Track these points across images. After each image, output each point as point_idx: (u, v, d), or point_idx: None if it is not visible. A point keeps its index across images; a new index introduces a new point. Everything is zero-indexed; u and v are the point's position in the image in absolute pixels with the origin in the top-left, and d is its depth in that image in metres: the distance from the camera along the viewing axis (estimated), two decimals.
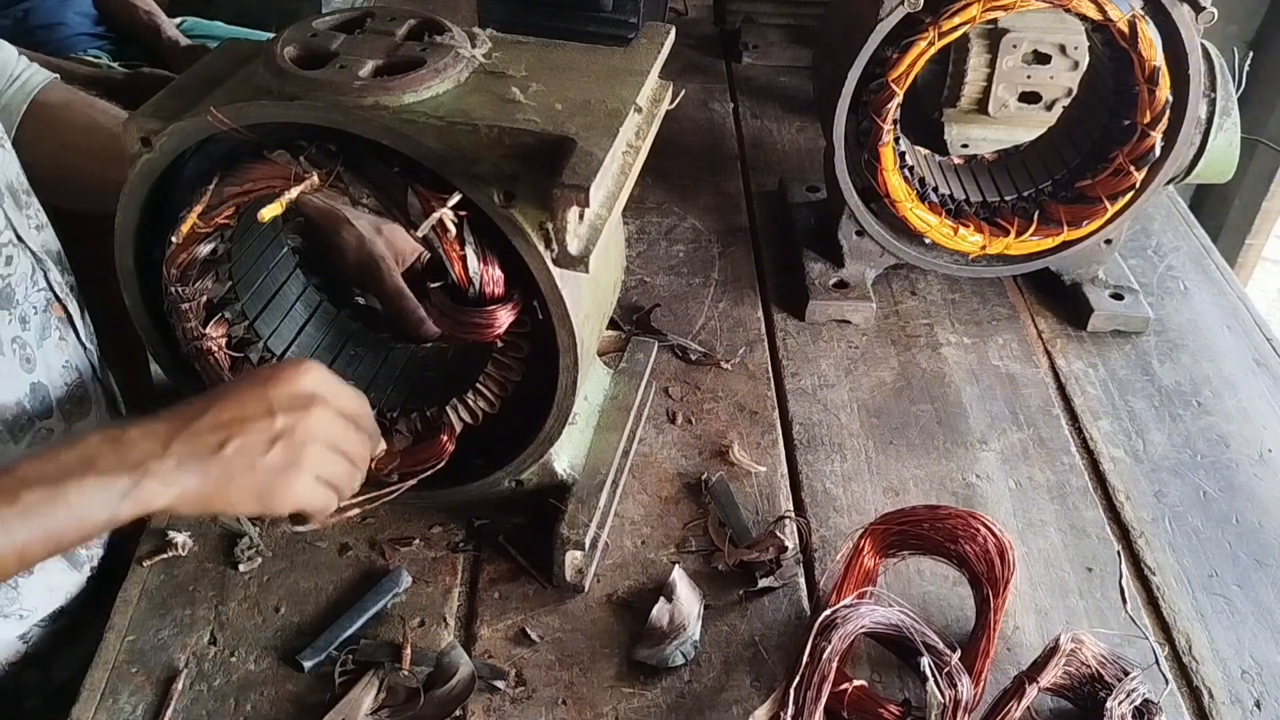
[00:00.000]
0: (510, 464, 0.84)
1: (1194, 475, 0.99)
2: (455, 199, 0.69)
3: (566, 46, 0.82)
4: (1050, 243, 1.11)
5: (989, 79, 1.35)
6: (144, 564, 0.85)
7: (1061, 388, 1.09)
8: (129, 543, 0.87)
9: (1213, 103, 1.05)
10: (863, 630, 0.75)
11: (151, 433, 0.66)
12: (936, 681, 0.72)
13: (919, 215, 1.09)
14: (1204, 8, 0.97)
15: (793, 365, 1.09)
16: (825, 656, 0.72)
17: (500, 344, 0.78)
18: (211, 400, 0.69)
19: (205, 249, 0.77)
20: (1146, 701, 0.74)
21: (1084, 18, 0.97)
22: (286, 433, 0.69)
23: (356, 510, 0.85)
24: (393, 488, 0.82)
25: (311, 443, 0.70)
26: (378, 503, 0.85)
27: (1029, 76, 1.35)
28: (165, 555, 0.85)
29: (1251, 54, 1.17)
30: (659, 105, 0.80)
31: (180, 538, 0.85)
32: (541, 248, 0.69)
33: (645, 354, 1.00)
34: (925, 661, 0.73)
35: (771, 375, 1.08)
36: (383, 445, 0.81)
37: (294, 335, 0.90)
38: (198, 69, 0.79)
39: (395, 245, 0.98)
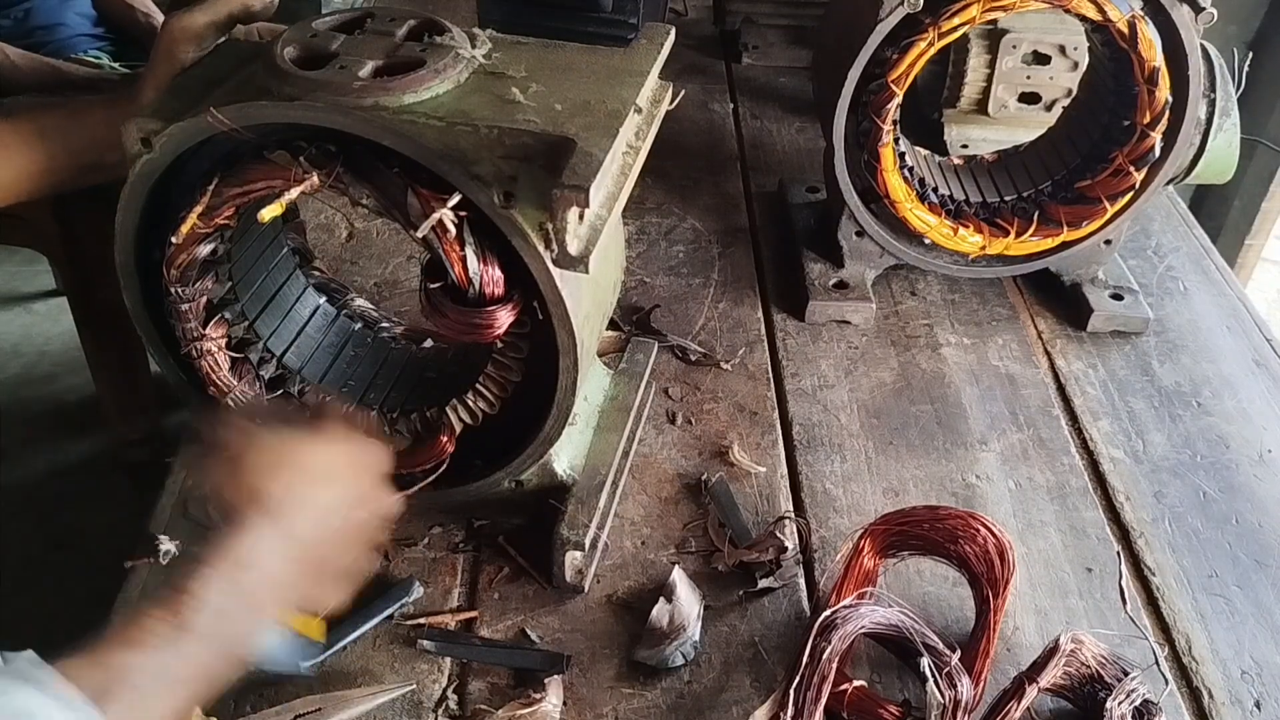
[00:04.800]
0: (510, 465, 0.84)
1: (1194, 476, 0.99)
2: (455, 199, 0.69)
3: (566, 47, 0.82)
4: (1050, 243, 1.11)
5: (989, 79, 1.35)
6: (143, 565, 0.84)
7: (1061, 388, 1.09)
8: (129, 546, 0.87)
9: (1212, 103, 1.05)
10: (863, 630, 0.75)
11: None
12: (936, 682, 0.72)
13: (919, 216, 1.09)
14: (1204, 8, 0.97)
15: (793, 366, 1.09)
16: (825, 657, 0.72)
17: (500, 344, 0.78)
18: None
19: (205, 249, 0.77)
20: (1146, 702, 0.74)
21: (1084, 18, 0.97)
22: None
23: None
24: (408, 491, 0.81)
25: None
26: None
27: (1029, 77, 1.35)
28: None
29: (1251, 54, 1.17)
30: (659, 105, 0.80)
31: (171, 545, 0.85)
32: (541, 248, 0.69)
33: (645, 354, 1.00)
34: (925, 662, 0.73)
35: (771, 376, 1.08)
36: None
37: (294, 336, 0.90)
38: (197, 69, 0.79)
39: None
